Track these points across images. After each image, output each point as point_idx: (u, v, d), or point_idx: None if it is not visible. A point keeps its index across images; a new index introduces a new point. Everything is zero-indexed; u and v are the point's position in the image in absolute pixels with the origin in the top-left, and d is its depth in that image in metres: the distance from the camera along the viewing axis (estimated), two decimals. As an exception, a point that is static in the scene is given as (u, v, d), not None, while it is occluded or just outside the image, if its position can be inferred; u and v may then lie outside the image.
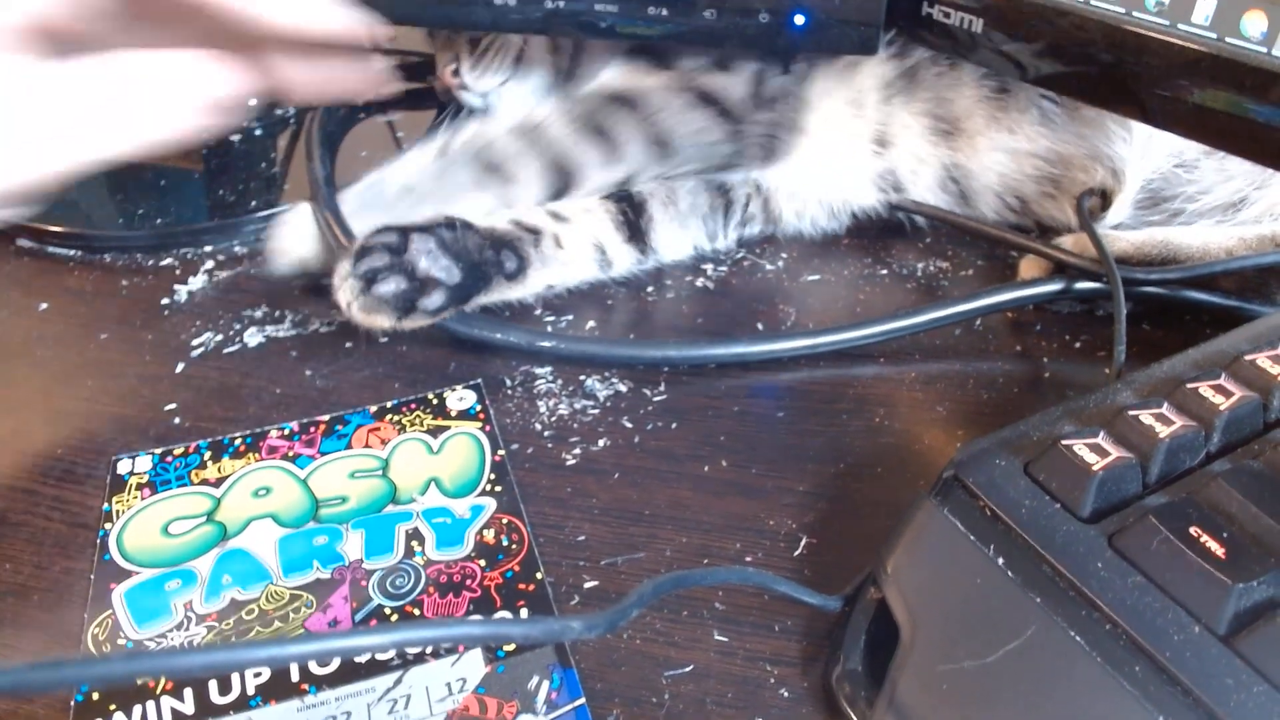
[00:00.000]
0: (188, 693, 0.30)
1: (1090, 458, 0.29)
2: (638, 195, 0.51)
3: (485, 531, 0.35)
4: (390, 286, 0.41)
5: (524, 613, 0.32)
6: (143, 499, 0.37)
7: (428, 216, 0.44)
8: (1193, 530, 0.27)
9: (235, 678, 0.30)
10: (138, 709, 0.29)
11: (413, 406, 0.41)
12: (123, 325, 0.48)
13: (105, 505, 0.37)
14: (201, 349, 0.46)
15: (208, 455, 0.39)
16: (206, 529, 0.35)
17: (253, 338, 0.46)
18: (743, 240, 0.53)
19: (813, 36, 0.46)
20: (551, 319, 0.46)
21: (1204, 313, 0.44)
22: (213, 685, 0.30)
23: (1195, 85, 0.37)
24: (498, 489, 0.37)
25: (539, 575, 0.33)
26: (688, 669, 0.30)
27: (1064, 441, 0.30)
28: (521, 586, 0.33)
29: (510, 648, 0.31)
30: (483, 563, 0.34)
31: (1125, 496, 0.29)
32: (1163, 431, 0.29)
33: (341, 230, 0.45)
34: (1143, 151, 0.48)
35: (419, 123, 0.66)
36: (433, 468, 0.38)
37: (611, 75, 0.52)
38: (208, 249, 0.54)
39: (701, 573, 0.33)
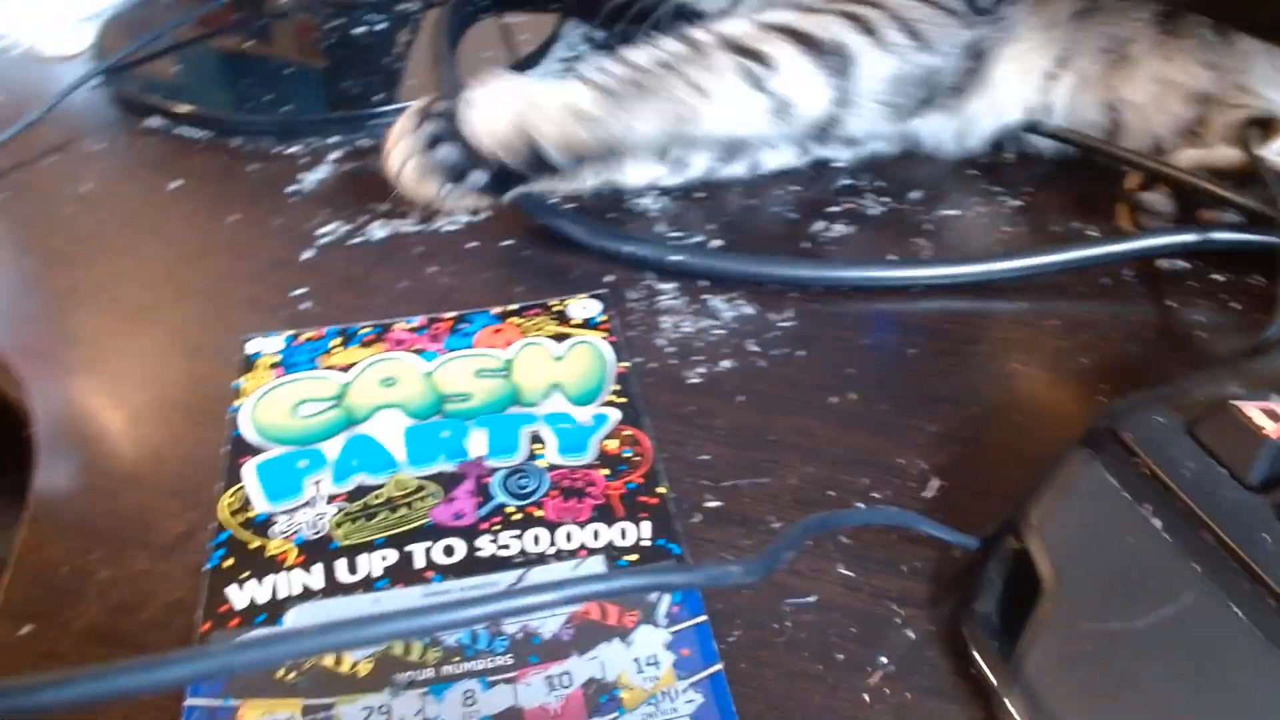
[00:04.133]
0: (317, 569, 0.30)
1: (1263, 422, 0.28)
2: None
3: (608, 441, 0.35)
4: (449, 153, 0.40)
5: (645, 525, 0.32)
6: (273, 378, 0.37)
7: None
8: (1375, 510, 0.25)
9: (363, 559, 0.31)
10: (269, 579, 0.30)
11: (536, 311, 0.40)
12: (251, 209, 0.48)
13: (235, 382, 0.37)
14: (328, 237, 0.46)
15: (336, 341, 0.39)
16: (335, 413, 0.36)
17: (378, 231, 0.46)
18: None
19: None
20: (678, 234, 0.45)
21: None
22: (341, 564, 0.31)
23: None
24: (621, 400, 0.36)
25: (661, 490, 0.33)
26: (811, 599, 0.30)
27: (1235, 403, 0.28)
28: (643, 499, 0.32)
29: (633, 556, 0.31)
30: (605, 471, 0.33)
31: (1299, 467, 0.27)
32: (1346, 402, 0.28)
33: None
34: None
35: (540, 25, 0.65)
36: (556, 374, 0.37)
37: None
38: (332, 140, 0.54)
39: (848, 513, 0.32)
